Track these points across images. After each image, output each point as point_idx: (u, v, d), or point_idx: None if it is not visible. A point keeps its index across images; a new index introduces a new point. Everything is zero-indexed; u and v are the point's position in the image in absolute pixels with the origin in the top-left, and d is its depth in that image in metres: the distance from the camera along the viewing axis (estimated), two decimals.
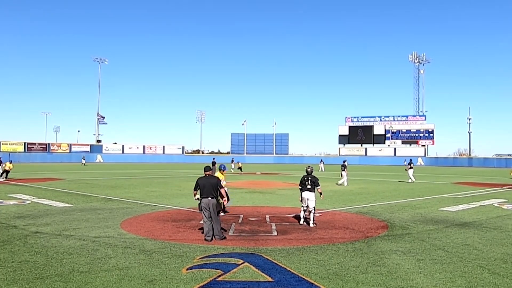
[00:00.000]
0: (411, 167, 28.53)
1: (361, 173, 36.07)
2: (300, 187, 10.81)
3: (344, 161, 27.56)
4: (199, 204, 8.74)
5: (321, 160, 49.42)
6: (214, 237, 8.51)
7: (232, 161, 48.01)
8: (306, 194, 10.61)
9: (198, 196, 8.95)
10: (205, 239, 8.41)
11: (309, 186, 10.62)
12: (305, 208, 10.66)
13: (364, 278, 5.96)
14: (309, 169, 10.90)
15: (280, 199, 16.96)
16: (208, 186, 8.65)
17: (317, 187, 10.67)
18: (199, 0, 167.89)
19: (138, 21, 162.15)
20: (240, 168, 44.09)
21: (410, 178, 28.13)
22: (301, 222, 10.65)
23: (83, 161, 68.20)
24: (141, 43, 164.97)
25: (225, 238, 8.61)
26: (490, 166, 70.41)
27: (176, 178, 30.74)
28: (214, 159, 29.38)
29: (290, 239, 8.75)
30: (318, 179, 10.85)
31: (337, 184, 25.24)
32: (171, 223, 10.56)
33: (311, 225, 10.30)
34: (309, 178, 10.72)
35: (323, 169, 45.82)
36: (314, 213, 10.55)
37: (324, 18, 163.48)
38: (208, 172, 8.99)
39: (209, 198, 8.60)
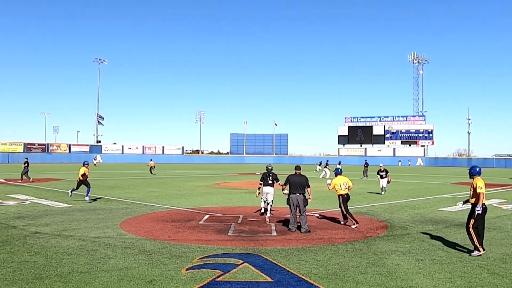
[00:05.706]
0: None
1: (360, 173, 36.17)
2: (262, 183, 12.06)
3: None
4: (287, 198, 9.82)
5: (320, 162, 46.23)
6: (300, 230, 9.41)
7: (327, 163, 44.23)
8: (268, 189, 11.96)
9: (286, 191, 10.07)
10: (289, 229, 9.49)
11: (270, 182, 12.02)
12: (265, 200, 12.06)
13: (363, 278, 5.96)
14: (270, 167, 12.39)
15: (279, 199, 16.91)
16: (298, 183, 9.74)
17: (278, 182, 11.88)
18: (198, 0, 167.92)
19: (137, 21, 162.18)
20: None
21: None
22: (263, 212, 12.11)
23: (94, 162, 66.69)
24: (140, 43, 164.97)
25: (309, 231, 9.35)
26: (490, 166, 70.36)
27: (175, 179, 30.74)
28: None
29: (290, 239, 8.75)
30: (277, 175, 12.24)
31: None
32: (170, 224, 10.56)
33: (269, 214, 11.72)
34: (271, 174, 12.09)
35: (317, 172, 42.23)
36: (271, 206, 12.03)
37: (324, 18, 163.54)
38: (298, 171, 10.08)
39: (298, 194, 9.64)
